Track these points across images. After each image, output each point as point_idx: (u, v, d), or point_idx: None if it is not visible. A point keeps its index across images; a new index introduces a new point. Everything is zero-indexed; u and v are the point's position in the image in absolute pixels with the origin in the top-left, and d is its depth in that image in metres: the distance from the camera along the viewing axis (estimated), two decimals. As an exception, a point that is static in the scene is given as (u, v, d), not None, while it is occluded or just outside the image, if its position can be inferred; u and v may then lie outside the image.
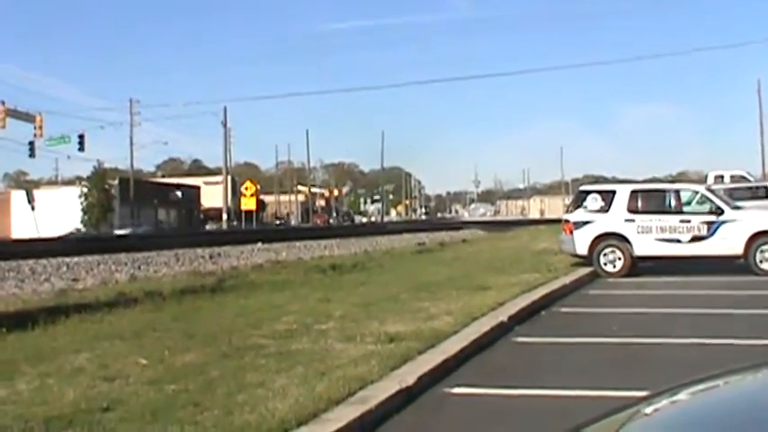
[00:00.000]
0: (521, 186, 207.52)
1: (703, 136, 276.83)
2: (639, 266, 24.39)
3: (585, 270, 23.55)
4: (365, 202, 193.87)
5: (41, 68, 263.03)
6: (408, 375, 9.77)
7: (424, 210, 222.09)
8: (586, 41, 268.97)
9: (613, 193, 24.63)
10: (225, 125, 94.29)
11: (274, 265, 26.31)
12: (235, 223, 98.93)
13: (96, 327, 13.80)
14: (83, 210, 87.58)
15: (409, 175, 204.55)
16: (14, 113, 68.78)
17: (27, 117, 70.89)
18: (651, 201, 24.51)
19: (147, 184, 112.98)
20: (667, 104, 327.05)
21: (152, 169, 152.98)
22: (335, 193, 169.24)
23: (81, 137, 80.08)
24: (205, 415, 8.05)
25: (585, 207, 24.77)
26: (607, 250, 24.18)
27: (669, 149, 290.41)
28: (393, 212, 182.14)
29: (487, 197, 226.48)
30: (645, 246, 23.96)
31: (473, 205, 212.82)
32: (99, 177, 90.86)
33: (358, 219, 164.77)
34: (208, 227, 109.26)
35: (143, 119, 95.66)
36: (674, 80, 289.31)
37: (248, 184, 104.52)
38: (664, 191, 25.08)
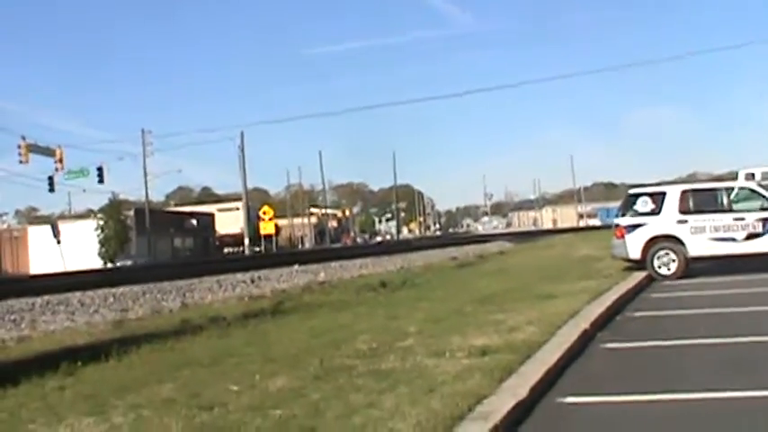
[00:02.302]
0: (531, 197, 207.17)
1: (711, 137, 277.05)
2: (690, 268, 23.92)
3: (639, 274, 23.08)
4: (379, 221, 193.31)
5: (51, 104, 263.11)
6: (519, 388, 9.34)
7: (437, 226, 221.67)
8: (589, 50, 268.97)
9: (663, 194, 24.19)
10: (242, 150, 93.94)
11: (322, 286, 25.94)
12: (258, 249, 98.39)
13: (170, 355, 13.41)
14: (100, 242, 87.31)
15: (419, 192, 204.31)
16: (35, 148, 68.65)
17: (47, 151, 70.74)
18: (703, 200, 24.05)
19: (162, 213, 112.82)
20: (673, 107, 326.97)
21: (162, 198, 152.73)
22: (347, 213, 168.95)
23: (100, 169, 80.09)
24: (329, 440, 7.63)
25: (636, 210, 24.32)
26: (661, 253, 23.74)
27: (677, 152, 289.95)
28: (405, 230, 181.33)
29: (498, 209, 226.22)
30: (699, 246, 23.50)
31: (485, 218, 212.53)
32: (114, 209, 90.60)
33: (374, 238, 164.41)
34: (226, 251, 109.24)
35: (155, 149, 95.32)
36: (679, 82, 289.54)
37: (266, 208, 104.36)
38: (715, 189, 24.58)
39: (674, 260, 23.67)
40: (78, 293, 23.93)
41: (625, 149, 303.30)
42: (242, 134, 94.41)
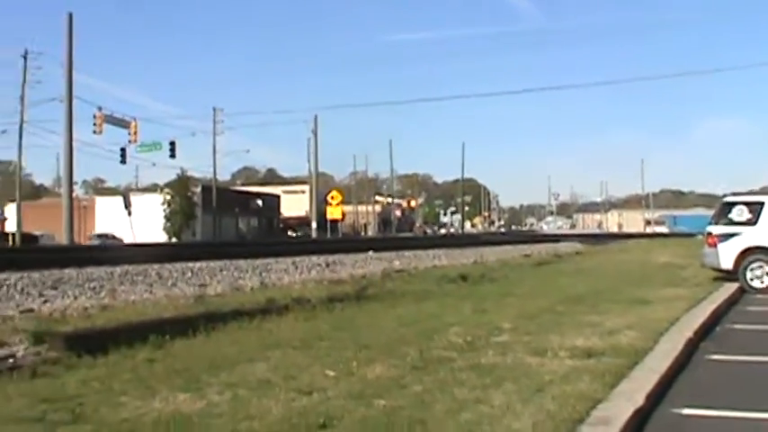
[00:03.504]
0: (597, 200, 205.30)
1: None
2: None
3: (731, 285, 22.33)
4: (444, 214, 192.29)
5: (125, 79, 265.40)
6: (635, 394, 8.83)
7: (501, 222, 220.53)
8: (664, 51, 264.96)
9: (761, 204, 23.36)
10: (315, 133, 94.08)
11: (401, 275, 25.54)
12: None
13: (258, 334, 13.08)
14: (166, 217, 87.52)
15: (484, 187, 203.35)
16: (110, 119, 68.86)
17: (122, 123, 70.89)
18: None
19: (229, 192, 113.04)
20: (746, 117, 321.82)
21: (228, 177, 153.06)
22: (413, 204, 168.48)
23: (172, 144, 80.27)
24: (442, 435, 7.19)
25: (730, 219, 23.55)
26: (754, 265, 22.96)
27: (749, 164, 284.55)
28: (468, 224, 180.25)
29: (562, 210, 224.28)
30: None
31: (549, 218, 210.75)
32: (182, 185, 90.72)
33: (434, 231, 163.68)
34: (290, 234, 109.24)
35: (224, 127, 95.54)
36: (754, 93, 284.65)
37: (334, 193, 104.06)
38: None
39: (767, 273, 22.87)
40: (156, 266, 23.78)
41: (696, 158, 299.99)
42: (315, 118, 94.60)
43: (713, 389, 10.44)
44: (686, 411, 9.00)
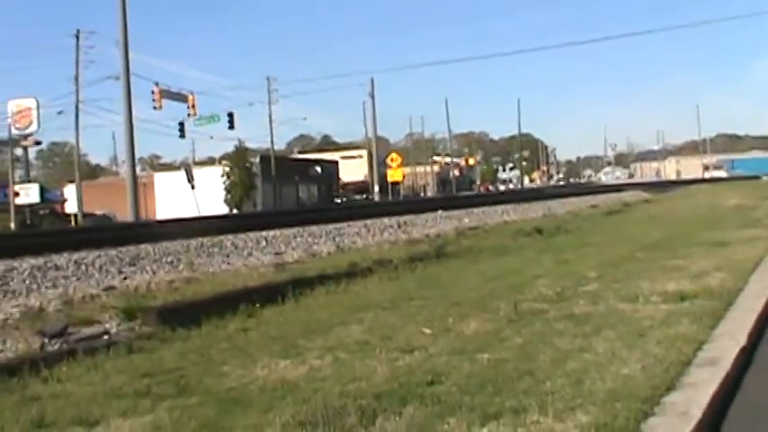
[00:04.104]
0: (655, 148, 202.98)
1: None
2: None
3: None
4: (502, 170, 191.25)
5: (176, 54, 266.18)
6: (737, 334, 8.79)
7: (560, 175, 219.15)
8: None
9: None
10: (372, 97, 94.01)
11: (475, 232, 25.54)
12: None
13: (346, 297, 13.20)
14: (226, 189, 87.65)
15: (541, 141, 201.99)
16: (168, 94, 68.95)
17: (180, 97, 70.78)
18: None
19: (287, 161, 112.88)
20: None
21: (284, 146, 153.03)
22: (471, 162, 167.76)
23: (231, 115, 79.76)
24: (553, 384, 7.18)
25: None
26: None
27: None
28: (526, 179, 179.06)
29: (619, 160, 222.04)
30: None
31: (606, 168, 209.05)
32: (240, 156, 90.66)
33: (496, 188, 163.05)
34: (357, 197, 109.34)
35: (279, 96, 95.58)
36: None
37: (393, 155, 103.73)
38: None
39: None
40: (231, 236, 23.88)
41: (750, 100, 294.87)
42: (372, 81, 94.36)
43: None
44: (789, 349, 8.94)
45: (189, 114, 73.17)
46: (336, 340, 9.81)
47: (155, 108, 67.68)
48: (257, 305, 12.28)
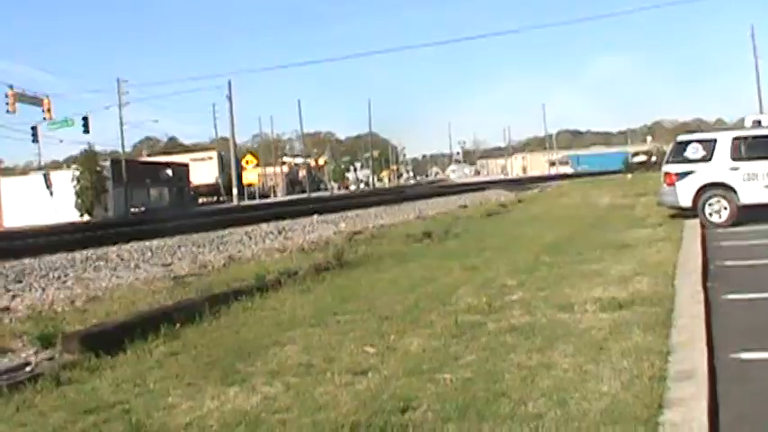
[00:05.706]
0: (502, 145, 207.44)
1: (672, 85, 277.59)
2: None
3: (692, 222, 22.47)
4: (352, 169, 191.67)
5: (29, 56, 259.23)
6: (696, 344, 8.70)
7: (410, 174, 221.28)
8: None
9: (714, 141, 23.53)
10: (230, 99, 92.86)
11: (362, 237, 25.20)
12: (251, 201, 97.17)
13: (265, 314, 12.63)
14: (76, 193, 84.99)
15: (388, 140, 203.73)
16: (23, 98, 67.17)
17: (34, 101, 69.15)
18: (756, 147, 23.26)
19: (138, 164, 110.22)
20: (638, 55, 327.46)
21: (129, 149, 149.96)
22: (320, 162, 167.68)
23: (85, 119, 77.77)
24: (535, 406, 6.95)
25: (686, 157, 23.66)
26: (712, 200, 23.12)
27: (642, 100, 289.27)
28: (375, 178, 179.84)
29: (465, 157, 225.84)
30: (752, 194, 22.86)
31: (453, 166, 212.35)
32: (89, 160, 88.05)
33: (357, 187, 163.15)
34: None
35: (130, 99, 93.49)
36: (640, 31, 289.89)
37: (249, 157, 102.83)
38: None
39: (725, 208, 23.05)
40: (114, 247, 23.06)
41: (590, 98, 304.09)
42: (229, 83, 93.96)
43: (758, 330, 10.21)
44: (745, 356, 8.81)
45: (45, 118, 71.45)
46: (277, 363, 9.34)
47: (8, 111, 66.01)
48: (177, 325, 11.64)
